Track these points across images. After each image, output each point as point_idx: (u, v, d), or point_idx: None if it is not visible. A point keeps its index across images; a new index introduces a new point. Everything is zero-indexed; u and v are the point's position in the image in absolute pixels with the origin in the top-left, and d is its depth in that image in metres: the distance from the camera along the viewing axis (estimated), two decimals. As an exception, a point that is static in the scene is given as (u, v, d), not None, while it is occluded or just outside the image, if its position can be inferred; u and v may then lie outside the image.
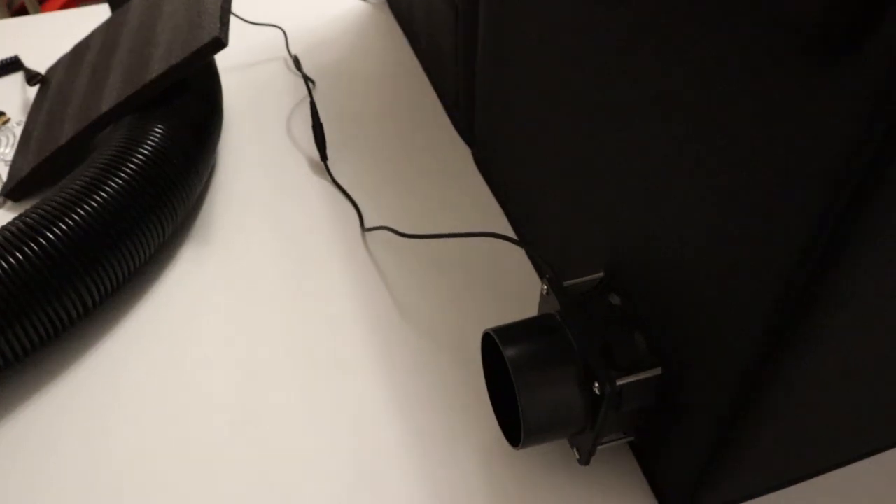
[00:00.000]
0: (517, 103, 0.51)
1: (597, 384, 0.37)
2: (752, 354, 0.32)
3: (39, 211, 0.50)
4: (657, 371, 0.37)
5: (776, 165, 0.26)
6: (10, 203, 0.64)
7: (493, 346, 0.44)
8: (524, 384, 0.38)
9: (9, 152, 0.69)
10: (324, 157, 0.65)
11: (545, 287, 0.41)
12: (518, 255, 0.57)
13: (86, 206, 0.50)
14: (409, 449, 0.46)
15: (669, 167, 0.33)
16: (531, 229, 0.55)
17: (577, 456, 0.42)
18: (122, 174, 0.52)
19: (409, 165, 0.66)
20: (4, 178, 0.66)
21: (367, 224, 0.60)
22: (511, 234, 0.59)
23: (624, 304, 0.40)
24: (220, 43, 0.57)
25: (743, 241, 0.29)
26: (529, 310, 0.53)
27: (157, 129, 0.56)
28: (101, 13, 0.95)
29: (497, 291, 0.55)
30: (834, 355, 0.31)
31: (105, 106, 0.60)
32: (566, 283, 0.42)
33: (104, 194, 0.51)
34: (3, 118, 0.73)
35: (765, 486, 0.43)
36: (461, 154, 0.67)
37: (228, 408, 0.48)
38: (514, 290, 0.55)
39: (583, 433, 0.41)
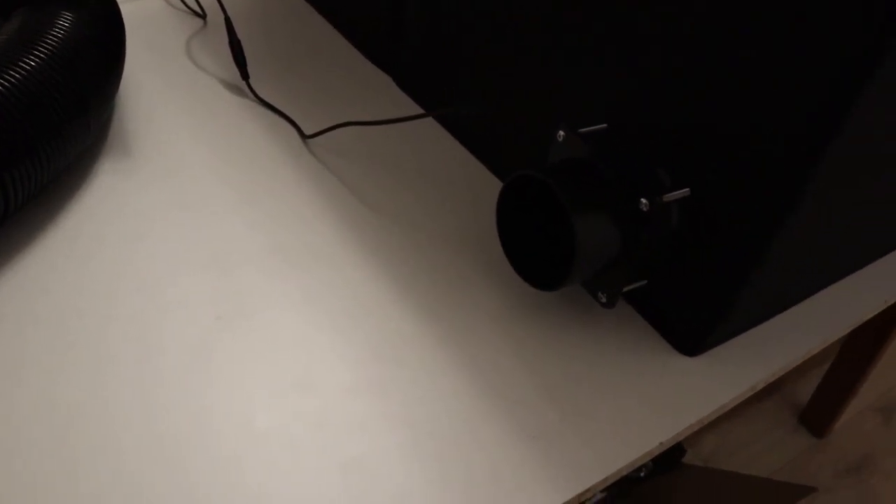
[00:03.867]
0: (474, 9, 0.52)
1: (644, 201, 0.38)
2: (776, 182, 0.36)
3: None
4: (686, 192, 0.40)
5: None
6: None
7: (515, 198, 0.43)
8: (575, 210, 0.38)
9: None
10: (245, 75, 0.60)
11: (562, 133, 0.42)
12: (451, 145, 0.58)
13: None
14: (420, 323, 0.43)
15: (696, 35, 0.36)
16: (482, 125, 0.56)
17: (604, 300, 0.42)
18: (38, 52, 0.44)
19: (333, 90, 0.63)
20: None
21: (307, 133, 0.56)
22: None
23: (633, 148, 0.42)
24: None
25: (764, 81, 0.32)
26: (477, 190, 0.53)
27: (65, 15, 0.48)
28: None
29: (446, 176, 0.54)
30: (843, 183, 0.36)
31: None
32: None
33: (21, 71, 0.43)
34: None
35: (762, 315, 0.47)
36: (382, 81, 0.65)
37: (212, 308, 0.42)
38: (459, 173, 0.55)
39: (611, 272, 0.41)
